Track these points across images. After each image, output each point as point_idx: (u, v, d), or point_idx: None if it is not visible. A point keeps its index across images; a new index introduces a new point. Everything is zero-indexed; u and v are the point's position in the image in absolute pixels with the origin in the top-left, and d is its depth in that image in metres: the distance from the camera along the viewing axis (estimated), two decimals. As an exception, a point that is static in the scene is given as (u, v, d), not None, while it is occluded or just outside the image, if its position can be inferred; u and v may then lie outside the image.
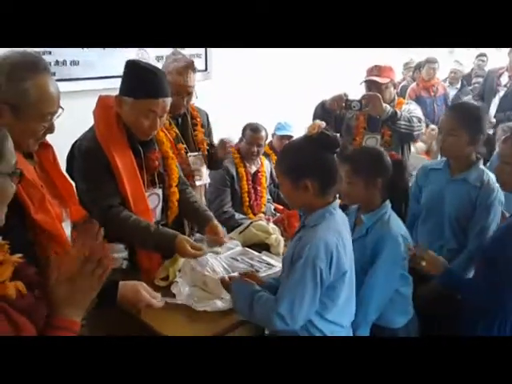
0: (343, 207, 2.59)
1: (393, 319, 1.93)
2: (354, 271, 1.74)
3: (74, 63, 3.12)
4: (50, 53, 2.97)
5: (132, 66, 2.01)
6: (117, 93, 2.05)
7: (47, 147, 1.56)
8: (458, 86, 6.06)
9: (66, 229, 1.55)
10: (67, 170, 2.06)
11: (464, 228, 2.22)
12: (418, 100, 5.25)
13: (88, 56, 3.17)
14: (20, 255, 1.10)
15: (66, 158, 2.07)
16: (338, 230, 1.61)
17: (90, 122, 2.06)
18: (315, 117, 3.11)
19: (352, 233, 1.88)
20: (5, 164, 1.01)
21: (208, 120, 2.85)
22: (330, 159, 1.61)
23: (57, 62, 3.01)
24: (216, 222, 2.18)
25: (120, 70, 3.28)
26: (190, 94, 2.53)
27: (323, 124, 1.64)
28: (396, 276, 1.88)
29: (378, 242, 1.84)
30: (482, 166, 2.23)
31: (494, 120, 4.76)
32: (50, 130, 1.46)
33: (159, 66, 2.40)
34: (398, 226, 1.89)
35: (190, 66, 2.47)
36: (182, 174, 2.37)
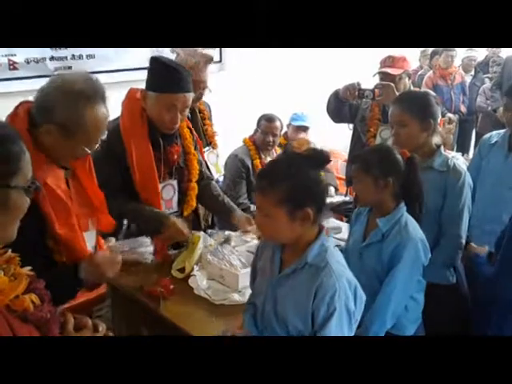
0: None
1: (405, 326, 1.85)
2: (367, 278, 1.72)
3: (90, 57, 3.16)
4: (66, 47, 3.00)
5: (155, 62, 2.08)
6: (139, 85, 2.13)
7: (85, 156, 1.57)
8: (473, 73, 5.93)
9: (91, 237, 1.60)
10: None
11: (437, 219, 2.13)
12: (435, 88, 5.16)
13: (104, 50, 3.21)
14: (29, 268, 1.08)
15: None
16: (341, 255, 1.45)
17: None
18: (329, 106, 3.09)
19: (365, 237, 1.87)
20: (21, 178, 0.98)
21: (210, 111, 2.89)
22: (322, 178, 1.41)
23: (73, 56, 3.04)
24: (244, 214, 2.33)
25: (135, 63, 3.38)
26: (206, 87, 2.57)
27: (310, 139, 1.58)
28: (414, 282, 1.82)
29: (397, 248, 1.74)
30: (444, 153, 2.18)
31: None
32: (92, 151, 1.50)
33: (173, 57, 2.44)
34: (415, 230, 1.79)
35: (208, 62, 2.52)
36: (206, 169, 2.45)
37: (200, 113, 2.74)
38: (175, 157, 2.20)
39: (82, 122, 1.40)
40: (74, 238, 1.48)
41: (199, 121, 2.71)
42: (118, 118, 2.12)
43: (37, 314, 1.01)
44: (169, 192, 2.20)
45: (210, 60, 2.52)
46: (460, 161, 2.84)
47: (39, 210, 1.37)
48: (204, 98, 2.74)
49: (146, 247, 1.95)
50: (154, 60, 2.09)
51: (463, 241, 2.15)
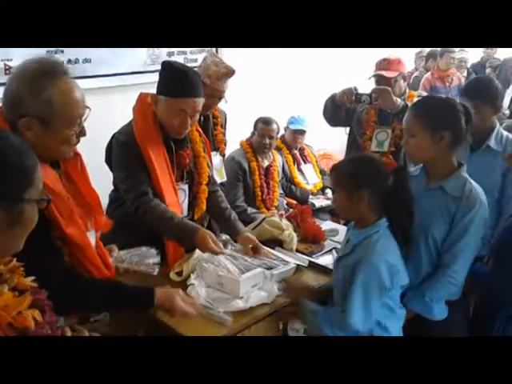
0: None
1: None
2: (342, 291, 1.71)
3: (87, 61, 3.14)
4: (62, 51, 2.99)
5: (166, 67, 2.08)
6: (136, 89, 2.18)
7: (75, 156, 1.54)
8: (465, 74, 5.94)
9: (92, 237, 1.57)
10: (106, 160, 2.19)
11: (438, 248, 1.89)
12: (433, 90, 5.16)
13: (100, 54, 3.18)
14: (32, 278, 1.07)
15: (104, 148, 2.20)
16: None
17: (103, 118, 2.16)
18: (325, 110, 3.11)
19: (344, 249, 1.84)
20: (34, 190, 0.98)
21: (226, 119, 2.93)
22: None
23: (69, 61, 3.03)
24: (248, 234, 2.24)
25: (132, 67, 3.38)
26: (221, 98, 2.61)
27: None
28: (374, 304, 1.64)
29: (358, 263, 1.64)
30: (464, 174, 1.88)
31: (507, 112, 4.72)
32: (82, 133, 1.45)
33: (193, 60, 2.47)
34: (384, 249, 1.65)
35: (229, 74, 2.55)
36: (212, 175, 2.45)
37: (214, 118, 2.78)
38: (187, 161, 2.22)
39: (52, 106, 1.34)
40: (81, 238, 1.46)
41: (210, 126, 2.74)
42: (130, 123, 2.13)
43: (38, 332, 0.99)
44: (180, 196, 2.22)
45: (230, 72, 2.55)
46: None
47: (42, 211, 1.36)
48: (220, 106, 2.79)
49: (152, 258, 1.90)
50: (165, 64, 2.11)
51: (457, 281, 1.87)
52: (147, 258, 1.91)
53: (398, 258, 1.69)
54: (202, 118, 2.64)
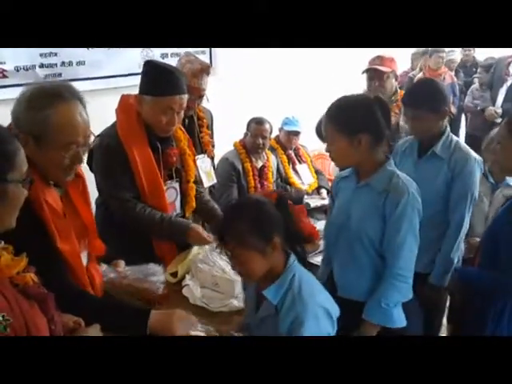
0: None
1: None
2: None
3: (80, 63, 3.14)
4: (55, 54, 2.99)
5: (150, 66, 2.10)
6: (130, 91, 2.17)
7: (78, 177, 1.54)
8: (453, 74, 5.97)
9: (84, 258, 1.58)
10: (87, 162, 2.15)
11: (378, 250, 1.80)
12: (424, 90, 5.19)
13: (94, 56, 3.18)
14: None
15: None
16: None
17: (97, 120, 2.10)
18: (318, 133, 3.12)
19: (257, 309, 1.54)
20: (16, 172, 1.05)
21: (212, 119, 2.91)
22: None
23: (63, 63, 3.03)
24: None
25: (125, 69, 3.38)
26: (201, 96, 2.59)
27: None
28: None
29: (294, 322, 1.40)
30: (390, 168, 1.81)
31: (499, 110, 4.75)
32: (77, 160, 1.44)
33: (174, 62, 2.46)
34: (312, 294, 1.44)
35: (205, 70, 2.53)
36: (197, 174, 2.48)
37: (199, 120, 2.75)
38: (174, 159, 2.23)
39: (47, 126, 1.36)
40: (75, 257, 1.48)
41: (196, 128, 2.72)
42: (113, 125, 2.13)
43: (36, 289, 1.08)
44: (171, 195, 2.24)
45: (206, 68, 2.54)
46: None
47: (43, 225, 1.38)
48: (205, 105, 2.77)
49: (158, 276, 1.88)
50: (148, 63, 2.12)
51: (406, 278, 1.78)
52: (152, 275, 1.89)
53: (324, 291, 1.53)
54: (186, 119, 2.61)
